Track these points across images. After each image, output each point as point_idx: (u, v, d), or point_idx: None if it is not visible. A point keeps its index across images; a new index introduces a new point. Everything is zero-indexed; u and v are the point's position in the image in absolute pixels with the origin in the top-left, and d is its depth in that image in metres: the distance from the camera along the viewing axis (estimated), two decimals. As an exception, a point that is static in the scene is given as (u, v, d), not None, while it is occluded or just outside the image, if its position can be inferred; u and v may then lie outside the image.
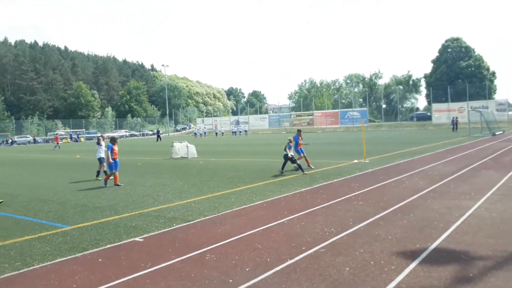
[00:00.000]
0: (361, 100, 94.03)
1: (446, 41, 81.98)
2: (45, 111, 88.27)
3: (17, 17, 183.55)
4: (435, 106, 66.53)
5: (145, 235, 7.14)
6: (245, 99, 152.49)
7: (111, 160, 13.30)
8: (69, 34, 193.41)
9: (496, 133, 35.96)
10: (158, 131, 61.45)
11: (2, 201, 10.62)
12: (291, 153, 14.45)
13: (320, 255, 5.64)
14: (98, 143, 15.67)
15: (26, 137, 72.90)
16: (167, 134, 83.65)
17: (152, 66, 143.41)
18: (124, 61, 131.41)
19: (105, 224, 8.12)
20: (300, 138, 15.98)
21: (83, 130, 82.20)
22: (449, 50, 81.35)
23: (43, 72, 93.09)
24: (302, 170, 14.38)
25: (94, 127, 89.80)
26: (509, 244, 5.80)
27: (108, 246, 6.60)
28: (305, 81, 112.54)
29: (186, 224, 7.84)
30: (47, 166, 23.11)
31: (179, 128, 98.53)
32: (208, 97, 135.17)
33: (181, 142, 24.42)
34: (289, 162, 14.50)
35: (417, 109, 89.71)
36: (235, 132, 68.40)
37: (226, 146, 36.19)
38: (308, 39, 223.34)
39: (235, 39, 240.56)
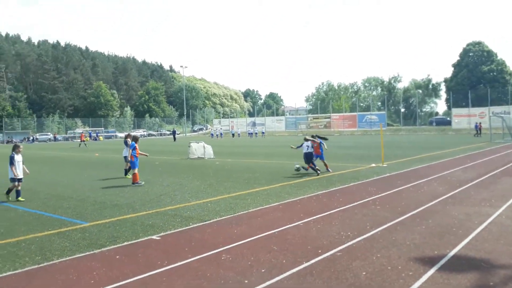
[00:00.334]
0: (379, 103, 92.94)
1: (468, 45, 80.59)
2: (66, 110, 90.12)
3: (38, 17, 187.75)
4: (455, 111, 65.31)
5: (162, 234, 7.21)
6: (262, 101, 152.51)
7: (134, 158, 13.48)
8: (90, 34, 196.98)
9: (519, 140, 35.08)
10: (174, 131, 62.03)
11: (23, 200, 10.86)
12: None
13: (337, 258, 5.59)
14: (126, 142, 15.67)
15: (47, 134, 74.55)
16: (184, 135, 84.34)
17: (170, 67, 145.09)
18: (144, 62, 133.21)
19: (123, 222, 8.22)
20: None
21: (102, 129, 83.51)
22: (470, 54, 79.91)
23: (64, 72, 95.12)
24: (306, 169, 15.07)
25: (113, 126, 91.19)
26: (531, 253, 5.65)
27: (126, 243, 6.69)
28: (322, 83, 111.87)
29: (202, 223, 7.89)
30: (66, 164, 23.55)
31: (196, 129, 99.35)
32: (225, 98, 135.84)
33: (198, 143, 24.57)
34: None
35: (437, 113, 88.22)
36: (252, 133, 68.45)
37: (243, 147, 36.27)
38: (327, 42, 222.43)
39: (253, 41, 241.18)
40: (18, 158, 10.93)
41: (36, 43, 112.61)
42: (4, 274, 5.38)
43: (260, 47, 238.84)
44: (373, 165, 17.16)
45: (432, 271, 5.01)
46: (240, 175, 15.15)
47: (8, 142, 68.91)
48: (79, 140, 47.40)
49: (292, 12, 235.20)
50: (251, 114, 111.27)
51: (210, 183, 13.48)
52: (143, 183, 13.27)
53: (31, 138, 69.81)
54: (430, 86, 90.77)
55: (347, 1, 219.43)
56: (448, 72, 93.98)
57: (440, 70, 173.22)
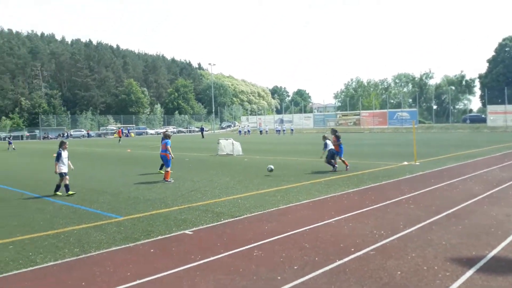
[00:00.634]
0: (410, 100, 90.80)
1: (504, 39, 77.46)
2: (98, 107, 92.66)
3: (71, 17, 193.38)
4: (490, 108, 62.98)
5: (194, 228, 7.31)
6: (290, 98, 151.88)
7: (172, 155, 13.75)
8: (121, 32, 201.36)
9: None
10: (202, 128, 62.70)
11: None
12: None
13: (370, 257, 5.52)
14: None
15: (80, 131, 76.92)
16: (212, 132, 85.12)
17: (199, 64, 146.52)
18: (173, 60, 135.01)
19: (156, 216, 8.39)
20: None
21: (133, 125, 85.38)
22: (506, 49, 76.79)
23: (96, 70, 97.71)
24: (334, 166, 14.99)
25: (144, 123, 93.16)
26: None
27: (159, 237, 6.82)
28: (351, 80, 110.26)
29: (233, 219, 7.95)
30: (100, 159, 24.22)
31: (224, 126, 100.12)
32: (252, 95, 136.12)
33: (227, 140, 24.73)
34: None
35: (471, 110, 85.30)
36: (279, 130, 68.26)
37: (271, 144, 36.24)
38: (356, 38, 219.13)
39: (282, 38, 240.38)
40: (64, 154, 11.48)
41: (69, 42, 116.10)
42: (46, 265, 5.60)
43: (288, 44, 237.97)
44: (405, 163, 16.80)
45: (470, 272, 4.87)
46: (269, 172, 15.14)
47: (44, 138, 71.53)
48: (118, 136, 49.16)
49: (322, 8, 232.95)
50: (278, 111, 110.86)
51: (240, 179, 13.56)
52: (172, 181, 13.47)
53: (66, 134, 72.12)
54: (464, 83, 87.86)
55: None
56: (483, 68, 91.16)
57: (474, 66, 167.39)
